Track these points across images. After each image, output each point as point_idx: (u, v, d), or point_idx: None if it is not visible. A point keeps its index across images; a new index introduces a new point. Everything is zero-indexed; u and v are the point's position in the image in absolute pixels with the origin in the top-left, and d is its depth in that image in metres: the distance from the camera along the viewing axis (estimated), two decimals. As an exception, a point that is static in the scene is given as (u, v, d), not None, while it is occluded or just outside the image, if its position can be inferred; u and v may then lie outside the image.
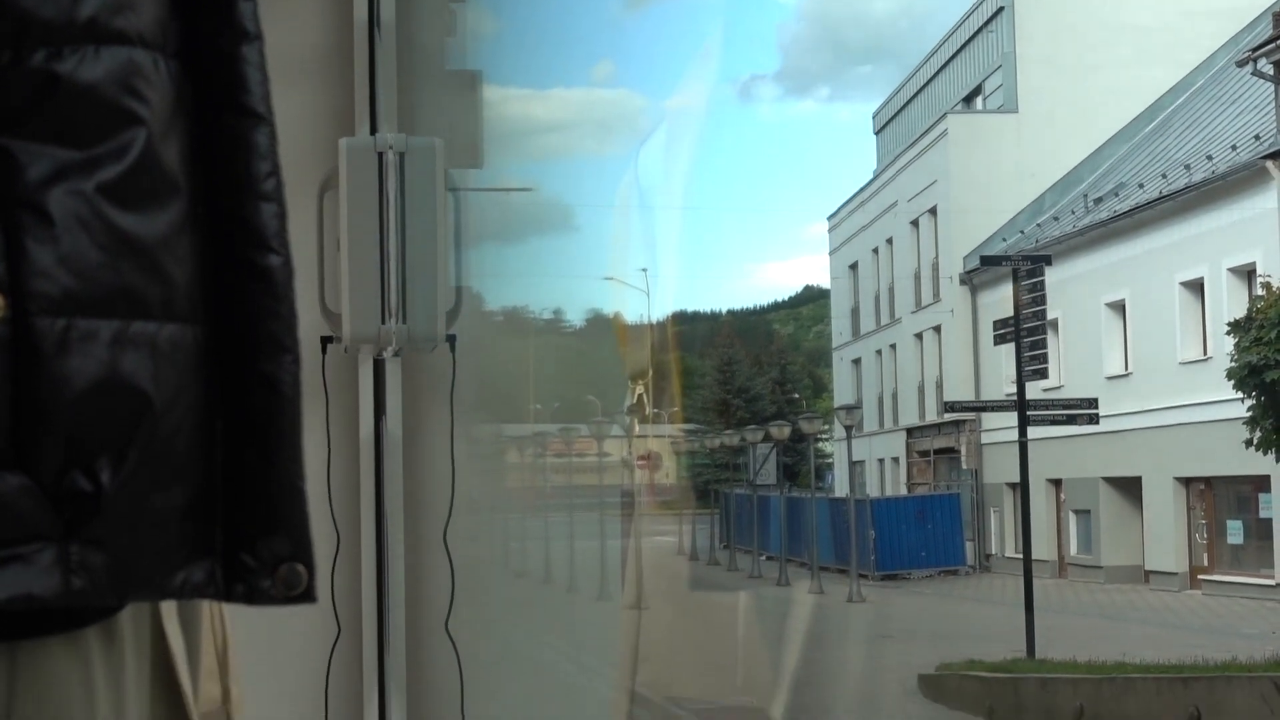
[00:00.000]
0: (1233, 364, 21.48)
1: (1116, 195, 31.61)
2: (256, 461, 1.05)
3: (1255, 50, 26.44)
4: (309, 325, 2.98)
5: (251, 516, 1.05)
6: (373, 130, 3.26)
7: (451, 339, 3.10)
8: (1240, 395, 21.39)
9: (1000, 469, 33.16)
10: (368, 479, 3.33)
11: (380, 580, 3.36)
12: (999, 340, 27.27)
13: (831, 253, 47.25)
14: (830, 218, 47.62)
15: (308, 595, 1.07)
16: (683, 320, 50.97)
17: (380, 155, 3.01)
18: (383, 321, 2.98)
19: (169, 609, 1.13)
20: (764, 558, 34.17)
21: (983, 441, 35.07)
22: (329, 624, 3.26)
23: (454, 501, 3.29)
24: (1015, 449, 25.11)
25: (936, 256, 37.58)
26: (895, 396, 41.10)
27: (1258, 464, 22.82)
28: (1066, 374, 30.79)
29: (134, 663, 1.07)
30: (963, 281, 36.26)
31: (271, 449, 1.06)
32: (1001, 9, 38.35)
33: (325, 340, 3.05)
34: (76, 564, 0.94)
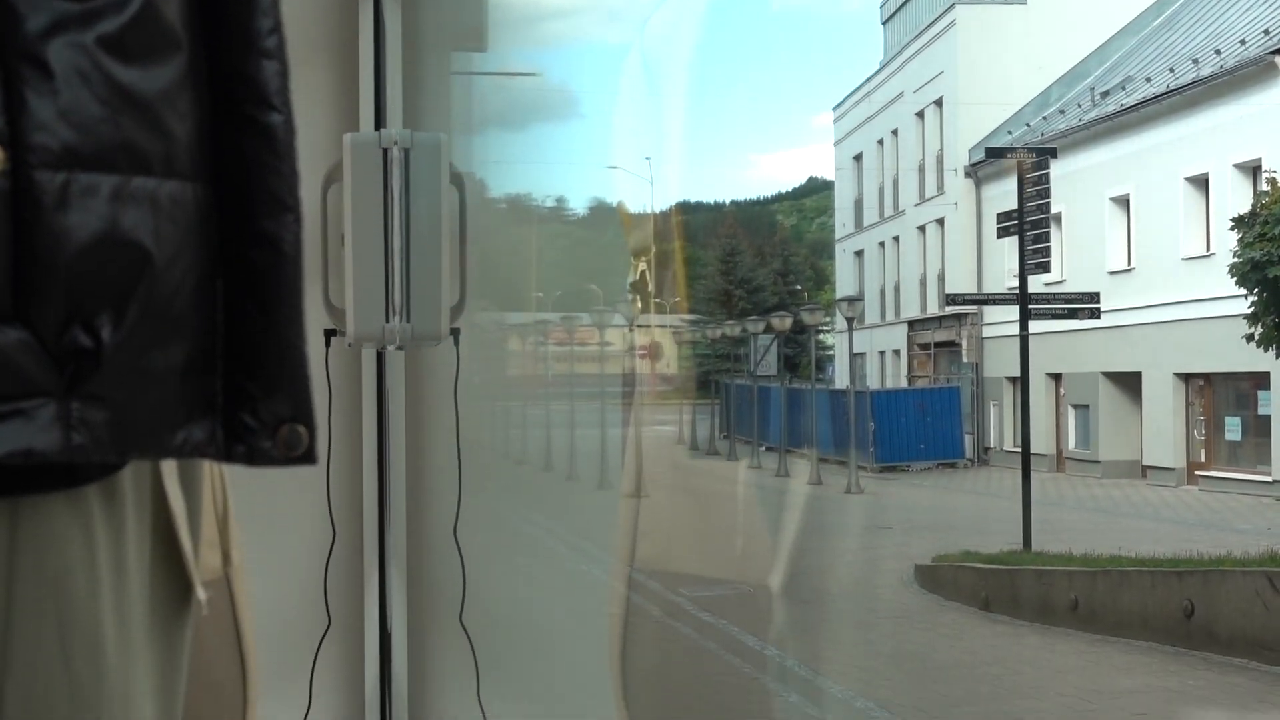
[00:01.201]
0: (1235, 260, 21.44)
1: (1123, 89, 31.41)
2: (257, 321, 1.05)
3: (1267, -57, 26.16)
4: (313, 318, 2.98)
5: (252, 376, 1.04)
6: (378, 124, 3.22)
7: (455, 332, 3.08)
8: (1242, 291, 21.38)
9: (1000, 363, 33.20)
10: (370, 472, 3.33)
11: (382, 572, 3.35)
12: (1002, 233, 27.20)
13: (836, 144, 47.00)
14: (835, 108, 47.32)
15: (308, 457, 1.06)
16: (686, 210, 50.81)
17: (385, 151, 2.97)
18: (386, 320, 2.98)
19: (169, 470, 1.13)
20: (764, 448, 34.29)
21: (984, 335, 35.07)
22: (320, 617, 3.25)
23: (461, 496, 3.28)
24: (1016, 343, 25.13)
25: (941, 149, 37.41)
26: (897, 289, 41.06)
27: (1258, 361, 22.84)
28: (1069, 268, 30.74)
29: (135, 522, 1.06)
30: (967, 174, 36.11)
31: (272, 308, 1.05)
32: (1012, -102, 37.91)
33: (329, 333, 3.04)
34: (77, 420, 0.94)
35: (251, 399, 1.04)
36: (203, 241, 1.02)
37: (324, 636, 3.20)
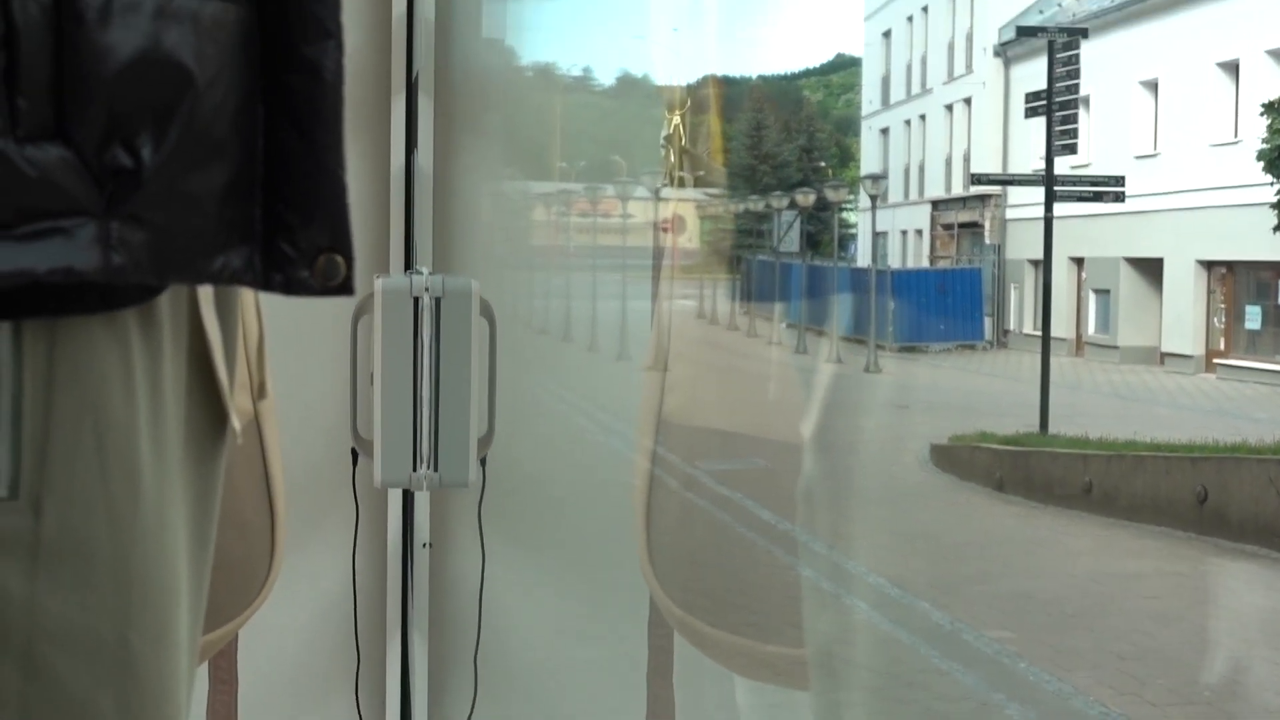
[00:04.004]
0: (1264, 146, 21.28)
1: (1158, -29, 31.03)
2: (297, 148, 1.03)
3: None
4: (341, 440, 3.01)
5: (291, 204, 1.02)
6: (407, 264, 3.22)
7: (483, 461, 3.09)
8: (1269, 179, 21.24)
9: (1023, 245, 33.07)
10: (394, 590, 3.35)
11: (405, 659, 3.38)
12: (1030, 114, 27.02)
13: (866, 19, 46.55)
14: (865, -16, 46.80)
15: (345, 287, 1.05)
16: (714, 84, 50.34)
17: (416, 300, 2.97)
18: (414, 469, 3.00)
19: (206, 299, 1.12)
20: (784, 325, 34.29)
21: (1007, 217, 34.92)
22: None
23: (482, 621, 3.29)
24: (1039, 225, 25.05)
25: (971, 27, 37.04)
26: (922, 168, 40.82)
27: (1281, 249, 22.75)
28: (1095, 151, 30.53)
29: (172, 349, 1.06)
30: (996, 53, 35.76)
31: (313, 136, 1.03)
32: None
33: (355, 452, 3.05)
34: (117, 241, 0.93)
35: (290, 227, 1.03)
36: (245, 65, 1.00)
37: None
